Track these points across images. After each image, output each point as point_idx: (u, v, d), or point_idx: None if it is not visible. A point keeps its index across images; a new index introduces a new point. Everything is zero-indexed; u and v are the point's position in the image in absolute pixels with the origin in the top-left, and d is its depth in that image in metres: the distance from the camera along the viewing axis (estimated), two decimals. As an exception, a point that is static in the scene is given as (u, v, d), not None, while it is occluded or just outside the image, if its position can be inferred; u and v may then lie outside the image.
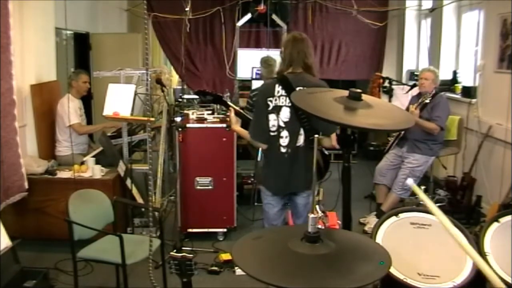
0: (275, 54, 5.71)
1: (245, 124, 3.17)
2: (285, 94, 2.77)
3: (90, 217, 3.10)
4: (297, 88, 2.71)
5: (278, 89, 2.80)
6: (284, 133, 2.81)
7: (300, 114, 2.73)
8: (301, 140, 2.81)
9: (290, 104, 2.76)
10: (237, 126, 3.19)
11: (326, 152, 3.12)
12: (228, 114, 3.35)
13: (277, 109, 2.80)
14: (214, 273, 3.71)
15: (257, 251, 1.63)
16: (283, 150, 2.83)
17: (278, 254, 1.58)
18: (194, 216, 4.30)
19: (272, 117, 2.82)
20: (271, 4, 6.62)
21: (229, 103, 3.48)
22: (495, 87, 4.76)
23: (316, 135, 2.45)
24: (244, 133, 3.04)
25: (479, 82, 5.10)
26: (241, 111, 3.29)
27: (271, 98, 2.81)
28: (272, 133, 2.83)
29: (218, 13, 7.22)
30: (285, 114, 2.79)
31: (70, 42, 6.46)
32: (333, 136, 2.79)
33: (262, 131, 2.85)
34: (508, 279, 2.34)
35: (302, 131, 2.79)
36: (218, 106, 4.77)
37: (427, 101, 4.49)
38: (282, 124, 2.81)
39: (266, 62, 4.96)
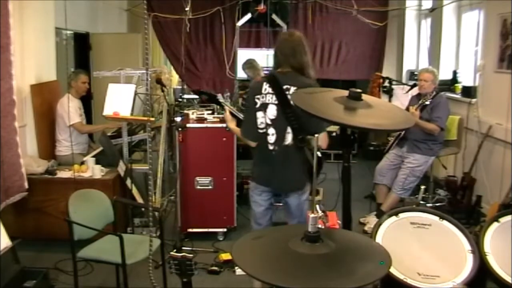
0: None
1: (239, 123, 3.22)
2: (272, 92, 2.80)
3: (90, 217, 3.10)
4: (284, 87, 2.75)
5: (266, 87, 2.83)
6: (271, 131, 2.83)
7: (288, 113, 2.74)
8: (289, 138, 2.81)
9: (277, 102, 2.78)
10: (232, 124, 3.22)
11: (319, 154, 3.10)
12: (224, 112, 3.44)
13: (264, 107, 2.83)
14: (214, 273, 3.71)
15: (257, 251, 1.63)
16: (270, 147, 2.85)
17: (278, 254, 1.58)
18: (194, 216, 4.30)
19: (260, 114, 2.85)
20: (271, 4, 6.64)
21: (223, 102, 3.55)
22: (495, 87, 4.76)
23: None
24: (238, 130, 3.09)
25: (479, 82, 5.11)
26: (233, 110, 3.33)
27: (258, 96, 2.84)
28: (260, 130, 2.87)
29: (218, 13, 7.23)
30: (272, 111, 2.81)
31: (70, 42, 6.46)
32: (322, 136, 2.78)
33: (251, 128, 2.89)
34: (508, 279, 2.34)
35: (289, 130, 2.80)
36: (218, 106, 4.79)
37: (428, 102, 4.49)
38: (269, 122, 2.83)
39: (251, 63, 5.30)
